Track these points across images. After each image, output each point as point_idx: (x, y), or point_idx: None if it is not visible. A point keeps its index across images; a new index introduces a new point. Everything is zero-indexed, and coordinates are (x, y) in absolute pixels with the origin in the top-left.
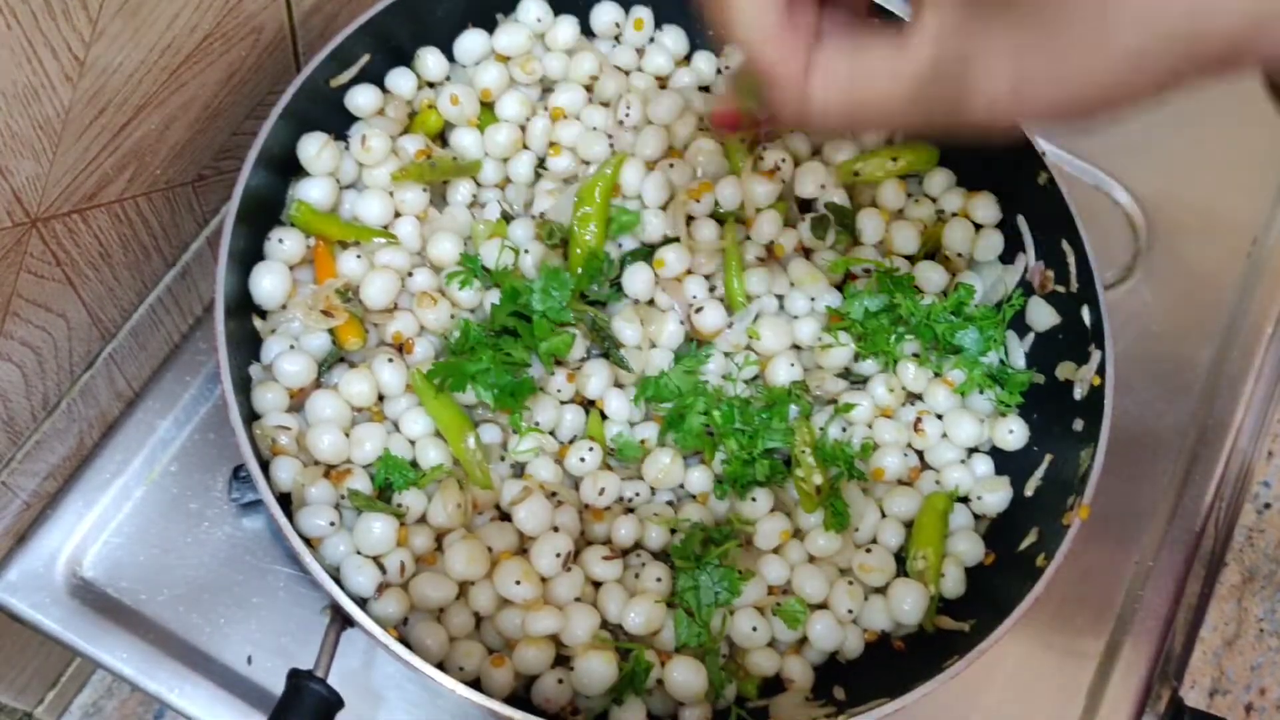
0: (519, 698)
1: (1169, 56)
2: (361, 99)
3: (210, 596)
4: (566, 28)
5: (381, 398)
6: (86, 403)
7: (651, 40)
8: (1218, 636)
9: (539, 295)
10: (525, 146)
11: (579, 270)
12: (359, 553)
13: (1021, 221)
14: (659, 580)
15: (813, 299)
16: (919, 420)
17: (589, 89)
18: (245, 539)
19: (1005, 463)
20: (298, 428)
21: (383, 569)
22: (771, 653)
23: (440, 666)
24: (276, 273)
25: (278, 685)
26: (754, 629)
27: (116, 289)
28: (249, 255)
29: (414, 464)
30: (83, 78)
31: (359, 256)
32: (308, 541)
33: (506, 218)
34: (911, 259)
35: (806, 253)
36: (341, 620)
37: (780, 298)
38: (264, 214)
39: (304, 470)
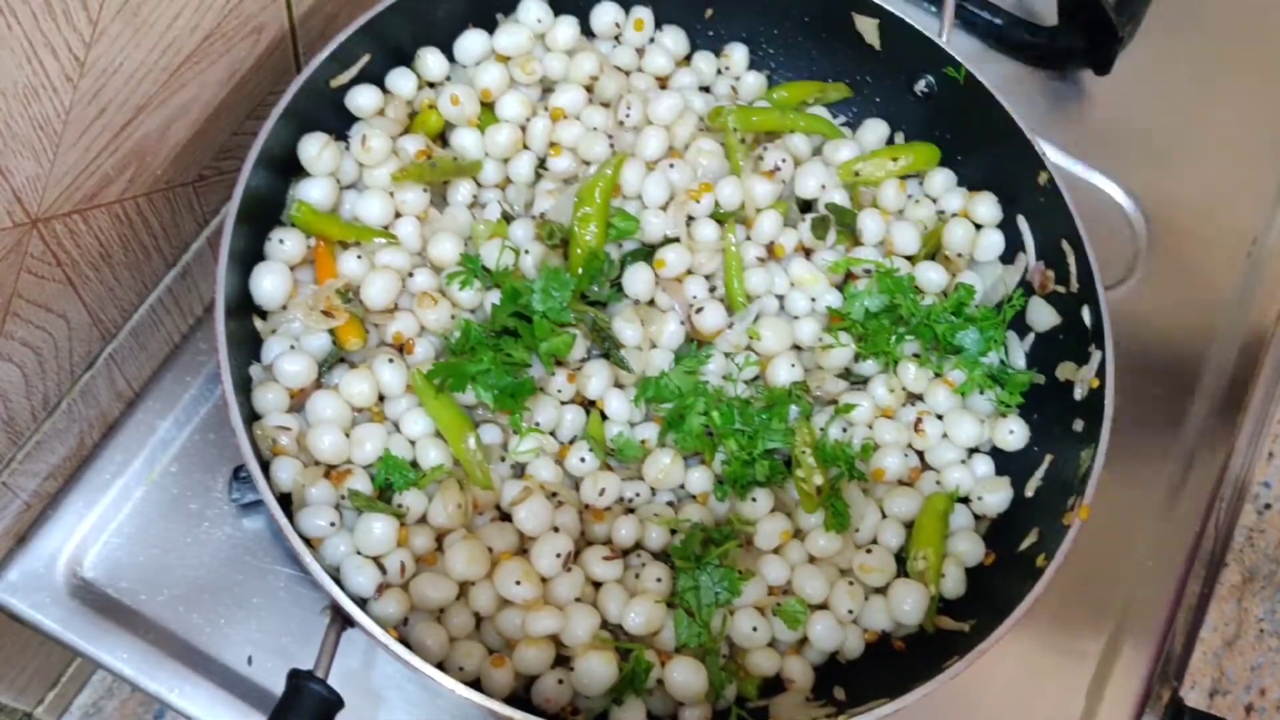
0: (519, 698)
1: None
2: (362, 99)
3: (210, 597)
4: (566, 28)
5: (382, 398)
6: (87, 403)
7: (651, 40)
8: (1218, 636)
9: (539, 296)
10: (525, 147)
11: (579, 270)
12: (359, 553)
13: (1022, 221)
14: (659, 580)
15: (813, 299)
16: (919, 421)
17: (589, 89)
18: (245, 539)
19: (1005, 463)
20: (298, 428)
21: (383, 569)
22: (771, 653)
23: (440, 666)
24: (277, 273)
25: (278, 685)
26: (754, 629)
27: (117, 289)
28: (249, 255)
29: (414, 464)
30: (83, 78)
31: (359, 257)
32: (308, 542)
33: (507, 218)
34: (912, 259)
35: (806, 253)
36: (341, 620)
37: (780, 298)
38: (264, 214)
39: (304, 470)
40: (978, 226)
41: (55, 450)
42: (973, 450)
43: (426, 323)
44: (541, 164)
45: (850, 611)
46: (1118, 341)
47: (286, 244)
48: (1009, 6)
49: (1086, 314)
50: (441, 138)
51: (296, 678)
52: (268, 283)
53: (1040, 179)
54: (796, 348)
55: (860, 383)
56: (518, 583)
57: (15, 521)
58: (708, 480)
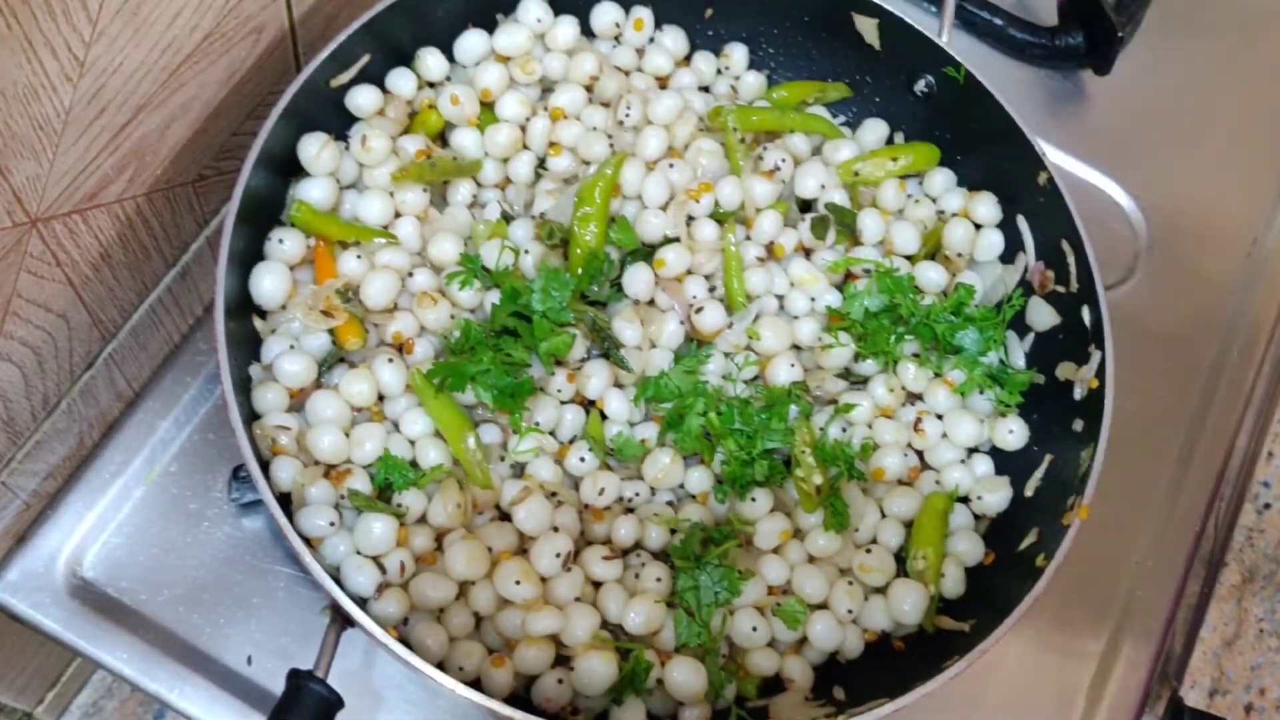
0: (519, 698)
1: None
2: (362, 99)
3: (210, 597)
4: (566, 28)
5: (381, 398)
6: (86, 403)
7: (651, 40)
8: (1218, 636)
9: (539, 295)
10: (525, 146)
11: (579, 270)
12: (359, 553)
13: (1021, 221)
14: (659, 580)
15: (813, 299)
16: (919, 420)
17: (589, 89)
18: (245, 539)
19: (1005, 463)
20: (298, 428)
21: (383, 569)
22: (771, 653)
23: (440, 666)
24: (277, 273)
25: (278, 685)
26: (754, 629)
27: (116, 289)
28: (249, 255)
29: (414, 464)
30: (83, 78)
31: (359, 257)
32: (308, 541)
33: (507, 218)
34: (912, 259)
35: (806, 253)
36: (341, 620)
37: (780, 298)
38: (264, 214)
39: (304, 470)
40: (978, 226)
41: (55, 450)
42: (972, 450)
43: (426, 323)
44: (541, 164)
45: (850, 611)
46: (1118, 341)
47: (286, 244)
48: (1009, 6)
49: (1086, 314)
50: (441, 138)
51: (296, 678)
52: (267, 283)
53: (1040, 179)
54: (796, 347)
55: (860, 382)
56: (517, 582)
57: (15, 521)
58: (707, 480)
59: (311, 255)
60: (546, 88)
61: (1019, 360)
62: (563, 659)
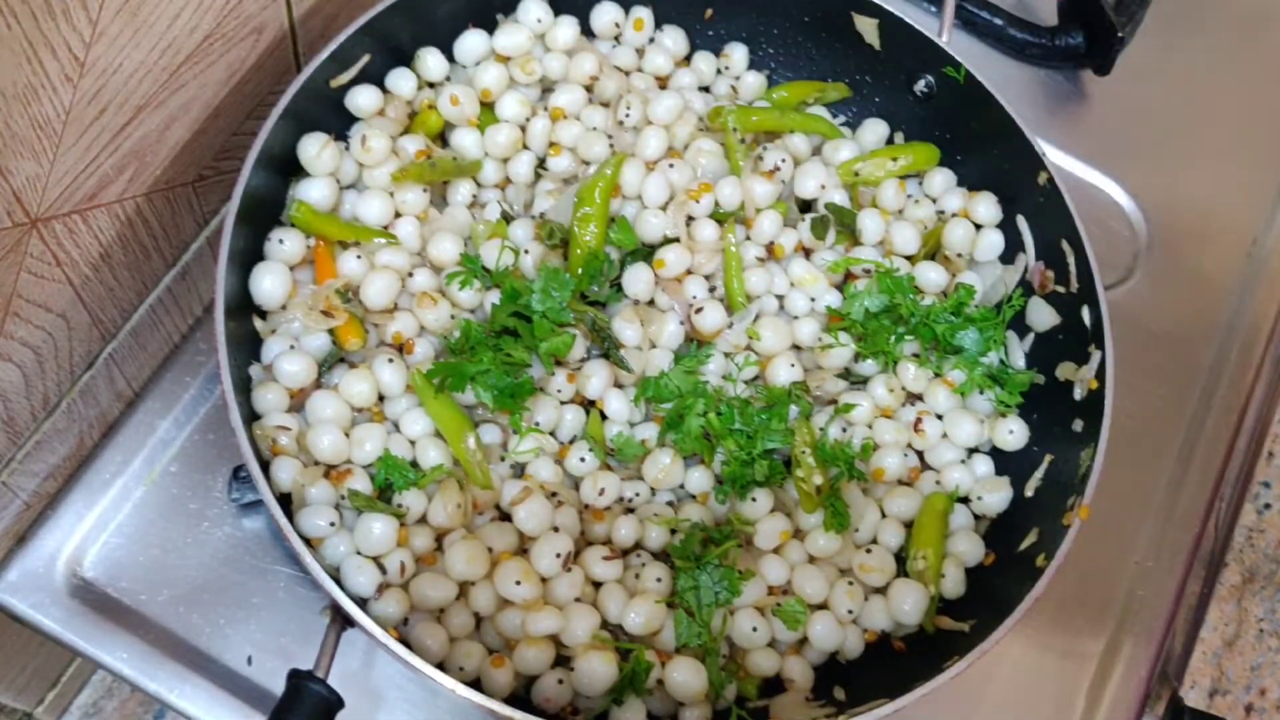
0: (519, 698)
1: None
2: (362, 99)
3: (210, 597)
4: (566, 28)
5: (381, 398)
6: (86, 403)
7: (651, 40)
8: (1218, 636)
9: (539, 295)
10: (525, 147)
11: (579, 270)
12: (359, 553)
13: (1021, 221)
14: (659, 580)
15: (812, 299)
16: (919, 420)
17: (589, 89)
18: (245, 539)
19: (1005, 463)
20: (298, 428)
21: (383, 569)
22: (771, 653)
23: (440, 667)
24: (276, 273)
25: (278, 685)
26: (754, 629)
27: (116, 289)
28: (249, 255)
29: (414, 464)
30: (83, 78)
31: (359, 257)
32: (308, 542)
33: (506, 218)
34: (911, 259)
35: (806, 253)
36: (341, 620)
37: (780, 298)
38: (264, 214)
39: (304, 470)
40: (977, 226)
41: (55, 450)
42: (972, 450)
43: (426, 323)
44: (541, 164)
45: (850, 611)
46: (1117, 341)
47: (286, 244)
48: (1009, 6)
49: (1086, 314)
50: (441, 138)
51: (296, 678)
52: (267, 283)
53: (1040, 179)
54: (796, 348)
55: (860, 383)
56: (518, 583)
57: (15, 521)
58: (707, 480)
59: (311, 255)
60: (546, 88)
61: (1019, 360)
62: (563, 659)
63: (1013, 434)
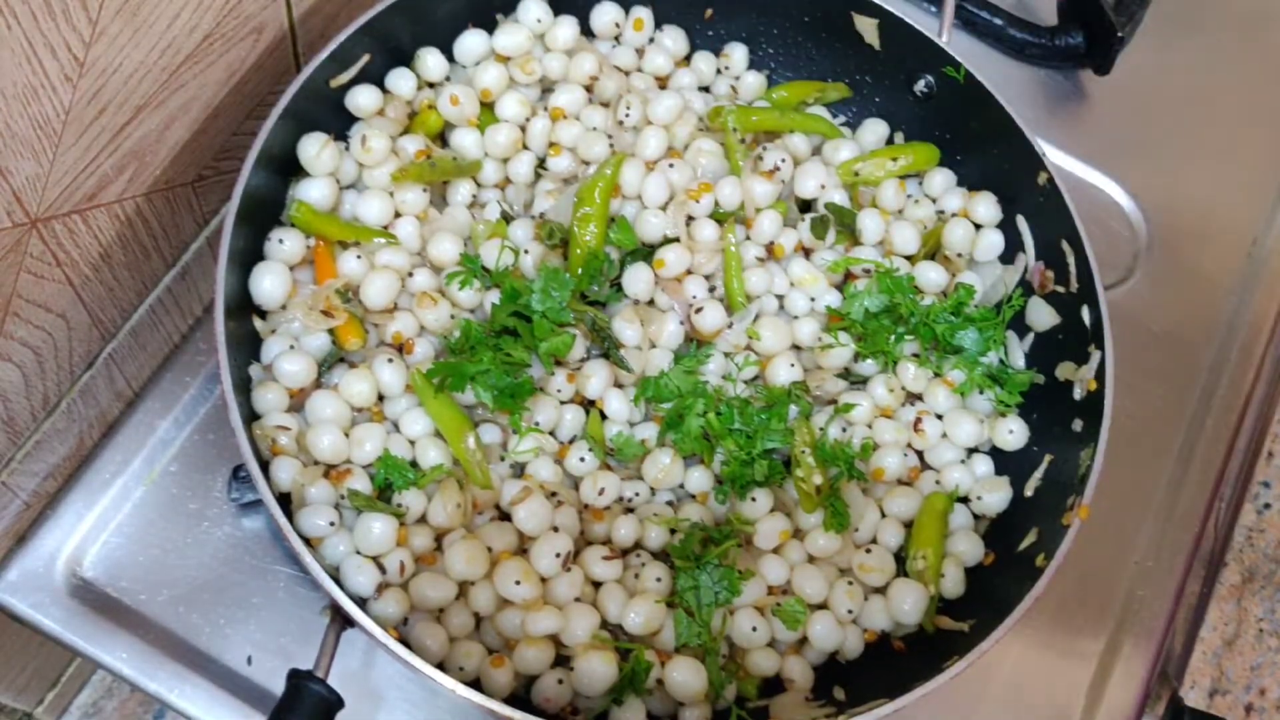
0: (519, 698)
1: None
2: (362, 99)
3: (210, 597)
4: (566, 28)
5: (381, 398)
6: (86, 403)
7: (651, 40)
8: (1218, 636)
9: (539, 295)
10: (525, 147)
11: (579, 270)
12: (359, 553)
13: (1021, 221)
14: (659, 580)
15: (812, 299)
16: (919, 420)
17: (589, 89)
18: (245, 539)
19: (1005, 463)
20: (298, 428)
21: (383, 569)
22: (771, 653)
23: (440, 666)
24: (276, 273)
25: (278, 685)
26: (754, 629)
27: (116, 289)
28: (249, 255)
29: (414, 464)
30: (82, 78)
31: (359, 257)
32: (308, 541)
33: (506, 218)
34: (911, 259)
35: (806, 253)
36: (341, 620)
37: (780, 298)
38: (264, 214)
39: (304, 470)
40: (977, 226)
41: (55, 450)
42: (972, 450)
43: (426, 323)
44: (541, 164)
45: (850, 611)
46: (1117, 341)
47: (286, 244)
48: (1009, 6)
49: (1086, 314)
50: (441, 138)
51: (296, 678)
52: (267, 283)
53: (1040, 179)
54: (796, 348)
55: (860, 383)
56: (517, 583)
57: (15, 521)
58: (707, 480)
59: (311, 255)
60: (546, 88)
61: (1019, 360)
62: (563, 659)
63: (1013, 434)
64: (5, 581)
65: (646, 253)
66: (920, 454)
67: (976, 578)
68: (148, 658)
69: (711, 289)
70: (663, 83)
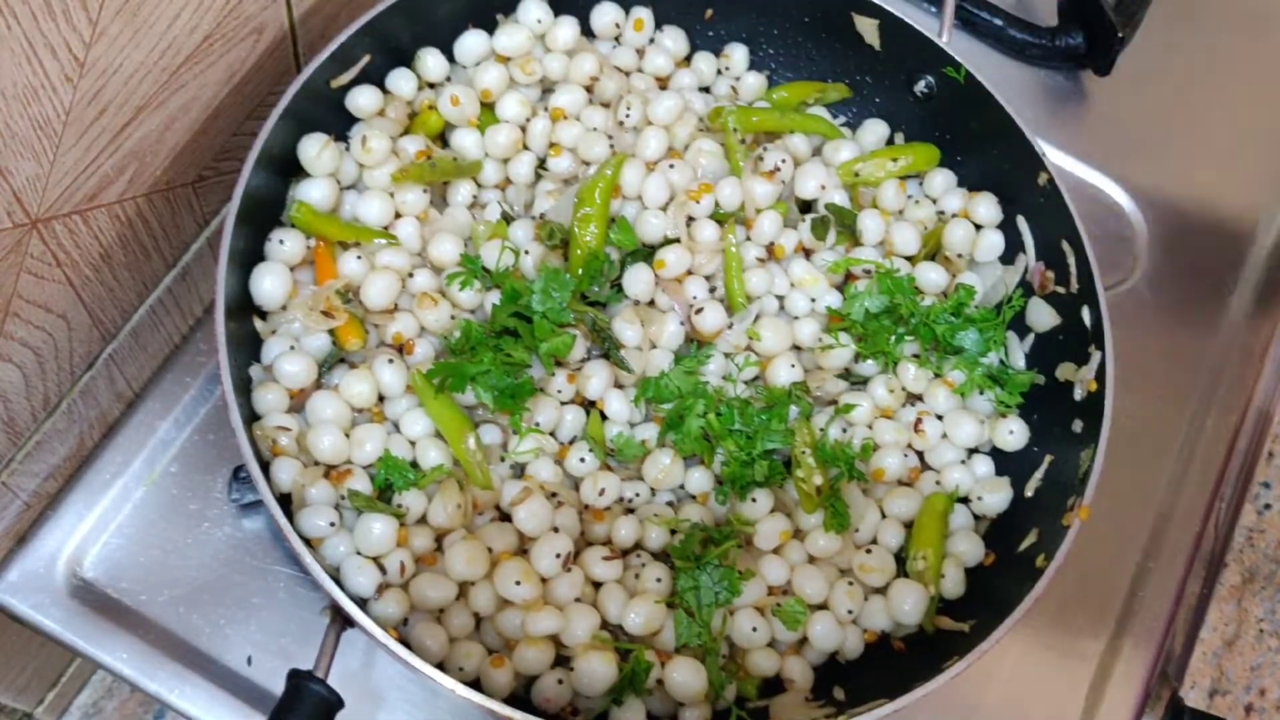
0: (519, 698)
1: None
2: (362, 100)
3: (210, 597)
4: (566, 28)
5: (382, 398)
6: (87, 403)
7: (651, 41)
8: (1218, 637)
9: (539, 296)
10: (525, 147)
11: (579, 271)
12: (359, 553)
13: (1021, 222)
14: (659, 580)
15: (813, 299)
16: (919, 421)
17: (589, 90)
18: (245, 539)
19: (1005, 463)
20: (298, 428)
21: (383, 569)
22: (771, 653)
23: (440, 667)
24: (277, 273)
25: (278, 685)
26: (754, 629)
27: (116, 290)
28: (249, 256)
29: (414, 465)
30: (83, 78)
31: (359, 257)
32: (308, 542)
33: (507, 219)
34: (912, 259)
35: (806, 253)
36: (341, 621)
37: (780, 298)
38: (264, 215)
39: (304, 471)
40: (978, 227)
41: (55, 450)
42: (972, 450)
43: (426, 323)
44: (541, 164)
45: (850, 612)
46: (1118, 341)
47: (286, 244)
48: (1009, 6)
49: (1086, 314)
50: (441, 138)
51: (296, 678)
52: (268, 283)
53: (1040, 179)
54: (796, 348)
55: (860, 383)
56: (517, 583)
57: (15, 521)
58: (707, 480)
59: (311, 256)
60: (546, 88)
61: (1019, 361)
62: (563, 659)
63: (1013, 434)
64: (6, 582)
65: (647, 253)
66: (920, 454)
67: (977, 578)
68: (148, 658)
69: (712, 290)
70: (663, 83)
